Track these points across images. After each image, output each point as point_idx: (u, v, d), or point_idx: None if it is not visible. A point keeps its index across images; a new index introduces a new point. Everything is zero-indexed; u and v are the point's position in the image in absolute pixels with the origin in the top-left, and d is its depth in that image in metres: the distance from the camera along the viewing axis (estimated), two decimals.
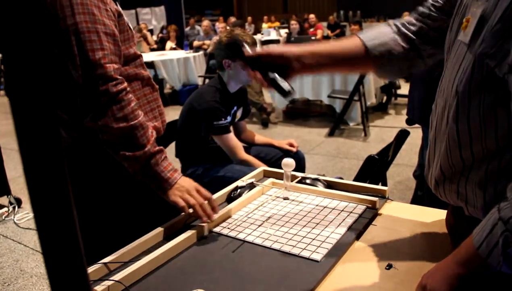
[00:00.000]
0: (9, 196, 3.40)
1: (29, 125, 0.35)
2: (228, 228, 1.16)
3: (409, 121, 2.19)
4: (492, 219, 0.74)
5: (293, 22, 8.18)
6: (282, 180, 1.34)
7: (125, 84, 1.19)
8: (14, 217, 3.24)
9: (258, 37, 10.75)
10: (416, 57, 1.05)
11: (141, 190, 1.32)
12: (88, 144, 1.27)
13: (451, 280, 0.79)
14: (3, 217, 3.27)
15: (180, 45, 8.94)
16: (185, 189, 1.20)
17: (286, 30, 9.36)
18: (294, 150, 2.60)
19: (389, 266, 0.97)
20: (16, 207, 3.35)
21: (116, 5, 1.31)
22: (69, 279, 0.40)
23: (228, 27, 8.40)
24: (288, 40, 7.48)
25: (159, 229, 1.14)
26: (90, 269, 0.97)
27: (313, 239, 1.08)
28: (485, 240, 0.74)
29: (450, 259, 0.82)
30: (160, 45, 9.95)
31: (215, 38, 7.25)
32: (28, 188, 0.37)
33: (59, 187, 0.38)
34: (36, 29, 0.33)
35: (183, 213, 1.22)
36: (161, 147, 1.22)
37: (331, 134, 5.15)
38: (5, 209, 3.37)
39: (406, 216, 1.20)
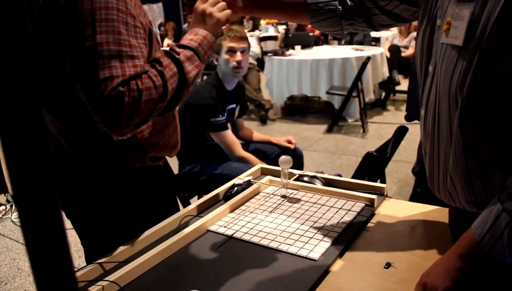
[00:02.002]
0: (6, 194, 3.38)
1: (14, 127, 0.33)
2: (225, 226, 1.15)
3: (408, 117, 2.18)
4: (495, 210, 0.72)
5: None
6: (280, 177, 1.33)
7: (133, 81, 1.01)
8: (11, 215, 3.23)
9: (256, 33, 10.72)
10: (339, 20, 1.13)
11: (138, 195, 1.30)
12: (86, 155, 1.20)
13: (453, 274, 0.78)
14: (0, 215, 3.26)
15: (178, 42, 8.91)
16: (203, 17, 1.17)
17: (284, 27, 9.32)
18: (292, 146, 2.60)
19: (388, 265, 0.95)
20: (13, 205, 3.33)
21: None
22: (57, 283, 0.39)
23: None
24: (286, 36, 7.45)
25: (155, 228, 1.13)
26: (85, 270, 0.96)
27: (311, 238, 1.07)
28: (487, 232, 0.73)
29: (450, 254, 0.81)
30: None
31: None
32: (14, 191, 0.36)
33: (45, 191, 0.37)
34: (20, 36, 0.32)
35: (178, 212, 1.22)
36: (177, 50, 1.12)
37: (329, 131, 5.14)
38: (3, 207, 3.35)
39: (405, 214, 1.19)
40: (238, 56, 2.34)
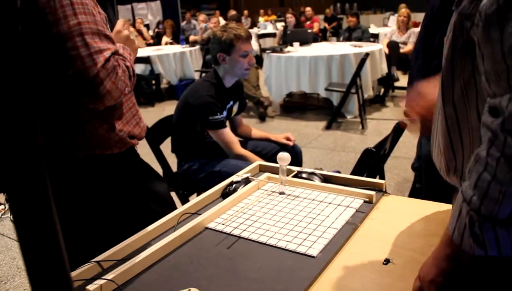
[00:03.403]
0: (5, 194, 3.38)
1: (5, 126, 0.33)
2: (223, 223, 1.15)
3: (407, 113, 2.18)
4: (459, 203, 0.72)
5: (289, 15, 8.14)
6: (278, 174, 1.32)
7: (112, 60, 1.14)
8: (10, 215, 3.23)
9: (254, 30, 10.71)
10: None
11: (134, 191, 1.31)
12: (64, 145, 1.25)
13: (440, 262, 0.78)
14: (0, 215, 3.26)
15: (176, 40, 8.90)
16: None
17: (283, 24, 9.32)
18: (291, 143, 2.59)
19: (387, 261, 0.95)
20: None
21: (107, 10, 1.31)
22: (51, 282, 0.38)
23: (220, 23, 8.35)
24: (284, 33, 7.44)
25: (153, 226, 1.13)
26: (83, 268, 0.96)
27: (309, 234, 1.06)
28: (456, 226, 0.72)
29: (440, 243, 0.80)
30: (156, 40, 9.90)
31: (209, 31, 7.22)
32: (7, 191, 0.36)
33: (38, 189, 0.36)
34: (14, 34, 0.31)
35: (177, 210, 1.21)
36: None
37: (328, 127, 5.14)
38: (2, 206, 3.35)
39: (403, 210, 1.18)
40: (252, 58, 2.34)
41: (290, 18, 7.92)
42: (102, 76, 1.08)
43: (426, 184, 2.10)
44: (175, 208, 1.42)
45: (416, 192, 2.41)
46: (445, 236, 0.78)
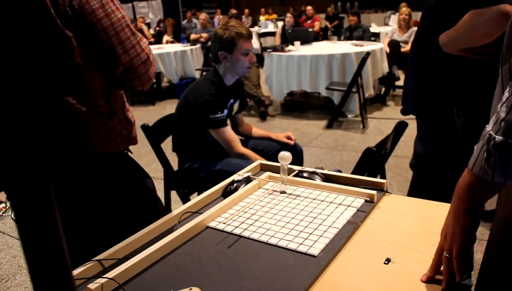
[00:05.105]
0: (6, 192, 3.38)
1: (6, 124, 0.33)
2: (224, 223, 1.15)
3: (404, 111, 2.17)
4: (483, 137, 0.76)
5: (288, 15, 8.15)
6: (279, 173, 1.32)
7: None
8: (11, 213, 3.23)
9: (255, 29, 10.70)
10: None
11: (135, 190, 1.31)
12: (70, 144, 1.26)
13: (460, 218, 0.81)
14: (1, 213, 3.26)
15: (177, 38, 8.90)
16: None
17: (282, 22, 9.33)
18: (291, 142, 2.59)
19: (388, 261, 0.95)
20: None
21: None
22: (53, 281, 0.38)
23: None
24: (284, 32, 7.44)
25: (154, 225, 1.13)
26: (84, 267, 0.96)
27: (310, 234, 1.06)
28: (473, 155, 0.77)
29: (453, 201, 0.83)
30: (157, 39, 9.90)
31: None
32: (7, 190, 0.36)
33: (41, 189, 0.36)
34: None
35: (178, 209, 1.21)
36: None
37: (329, 126, 5.14)
38: (3, 204, 3.35)
39: (404, 209, 1.18)
40: (253, 56, 2.35)
41: (289, 18, 7.93)
42: (151, 59, 1.25)
43: (421, 182, 2.10)
44: (164, 204, 1.45)
45: (414, 190, 2.41)
46: (457, 194, 0.81)
